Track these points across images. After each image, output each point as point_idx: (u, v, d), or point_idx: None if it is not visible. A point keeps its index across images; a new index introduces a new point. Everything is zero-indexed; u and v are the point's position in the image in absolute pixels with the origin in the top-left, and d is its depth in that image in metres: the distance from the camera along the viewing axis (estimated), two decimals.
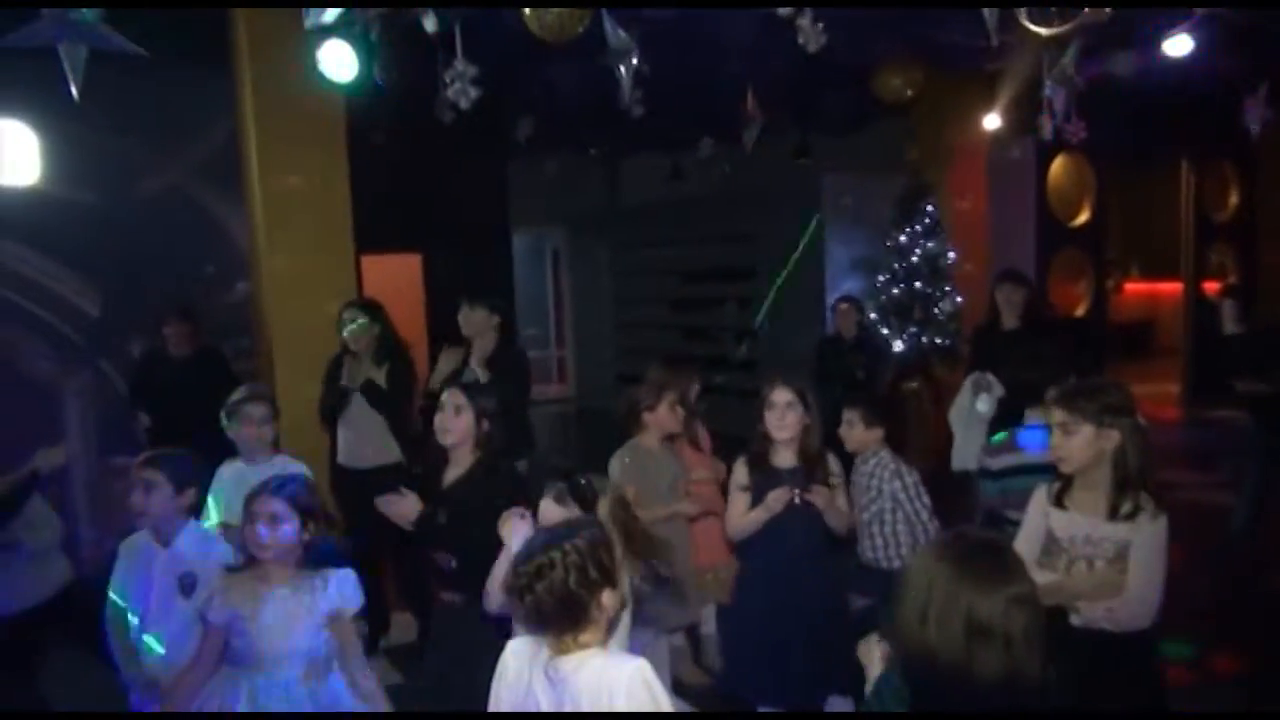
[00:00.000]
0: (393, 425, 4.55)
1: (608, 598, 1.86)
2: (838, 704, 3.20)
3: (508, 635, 2.10)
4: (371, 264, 6.95)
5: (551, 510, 2.43)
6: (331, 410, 4.61)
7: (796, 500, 3.03)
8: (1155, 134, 8.55)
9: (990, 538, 1.71)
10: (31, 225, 5.56)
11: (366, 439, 4.51)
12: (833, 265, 8.64)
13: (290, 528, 2.43)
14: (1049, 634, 1.59)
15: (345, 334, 4.54)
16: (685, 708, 3.77)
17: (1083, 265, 9.30)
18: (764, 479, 3.11)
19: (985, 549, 1.65)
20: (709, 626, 4.24)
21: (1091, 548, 2.45)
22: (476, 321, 4.66)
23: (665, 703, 1.85)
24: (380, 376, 4.52)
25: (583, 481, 2.49)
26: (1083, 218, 9.19)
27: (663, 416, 3.68)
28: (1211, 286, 9.62)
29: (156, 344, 5.44)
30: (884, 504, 3.45)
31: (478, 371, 4.50)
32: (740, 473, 3.20)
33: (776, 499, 3.06)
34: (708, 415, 4.43)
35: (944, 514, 3.78)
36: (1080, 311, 9.34)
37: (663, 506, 3.52)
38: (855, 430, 3.57)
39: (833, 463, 3.20)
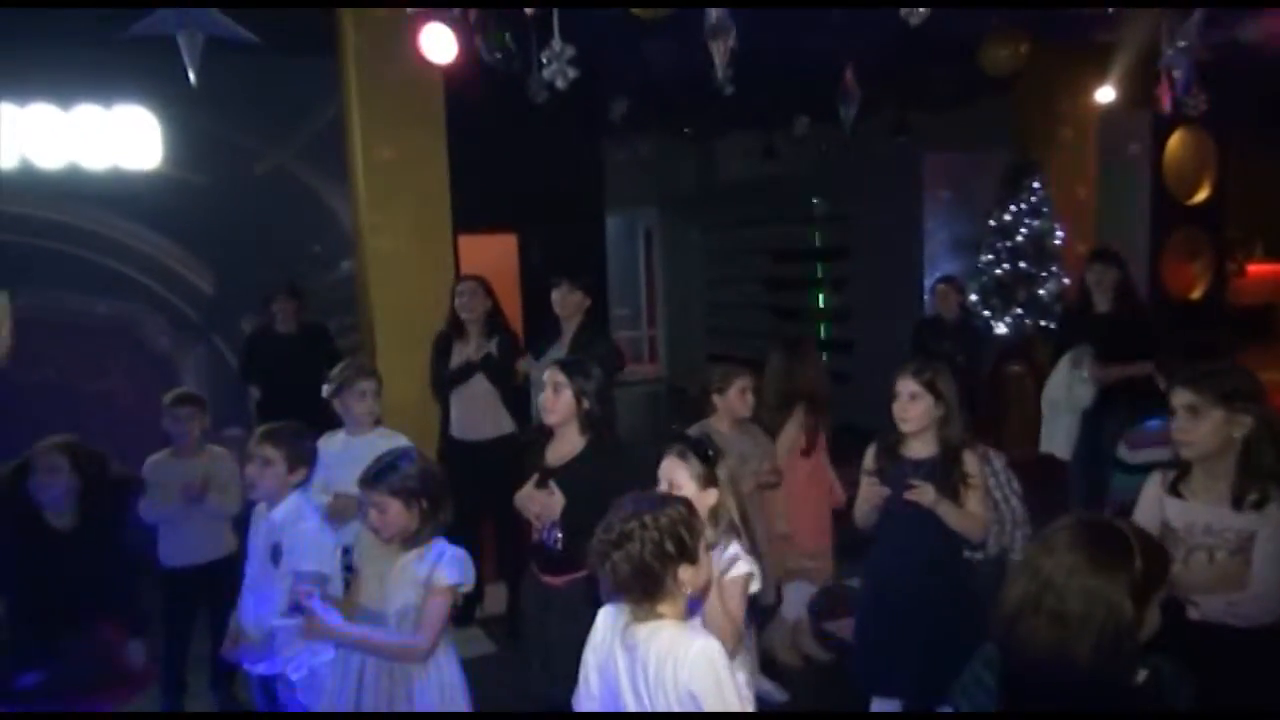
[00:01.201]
0: (505, 397, 4.62)
1: (685, 573, 1.89)
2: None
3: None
4: (469, 244, 7.08)
5: (674, 468, 2.42)
6: (448, 384, 4.68)
7: (905, 494, 2.89)
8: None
9: (1106, 524, 1.68)
10: (153, 207, 5.84)
11: (480, 412, 4.59)
12: (931, 244, 8.42)
13: (395, 512, 2.50)
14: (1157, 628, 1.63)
15: (458, 304, 4.61)
16: (768, 689, 3.76)
17: (1200, 245, 8.83)
18: (891, 468, 2.99)
19: (1089, 532, 1.65)
20: (797, 610, 4.22)
21: (1212, 538, 2.35)
22: (573, 303, 4.67)
23: (727, 683, 1.84)
24: (492, 349, 4.60)
25: (700, 438, 2.50)
26: (1202, 195, 8.71)
27: (731, 401, 3.69)
28: None
29: (265, 320, 5.66)
30: None
31: (561, 354, 4.44)
32: (867, 457, 3.10)
33: (873, 492, 2.99)
34: None
35: (1037, 498, 3.69)
36: (1196, 294, 8.90)
37: None
38: None
39: (971, 462, 2.96)
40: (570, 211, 8.72)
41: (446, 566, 2.50)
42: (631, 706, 1.91)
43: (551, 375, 2.96)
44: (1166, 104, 5.51)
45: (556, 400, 2.92)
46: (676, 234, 12.38)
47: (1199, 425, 2.34)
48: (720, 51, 4.59)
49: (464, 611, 4.78)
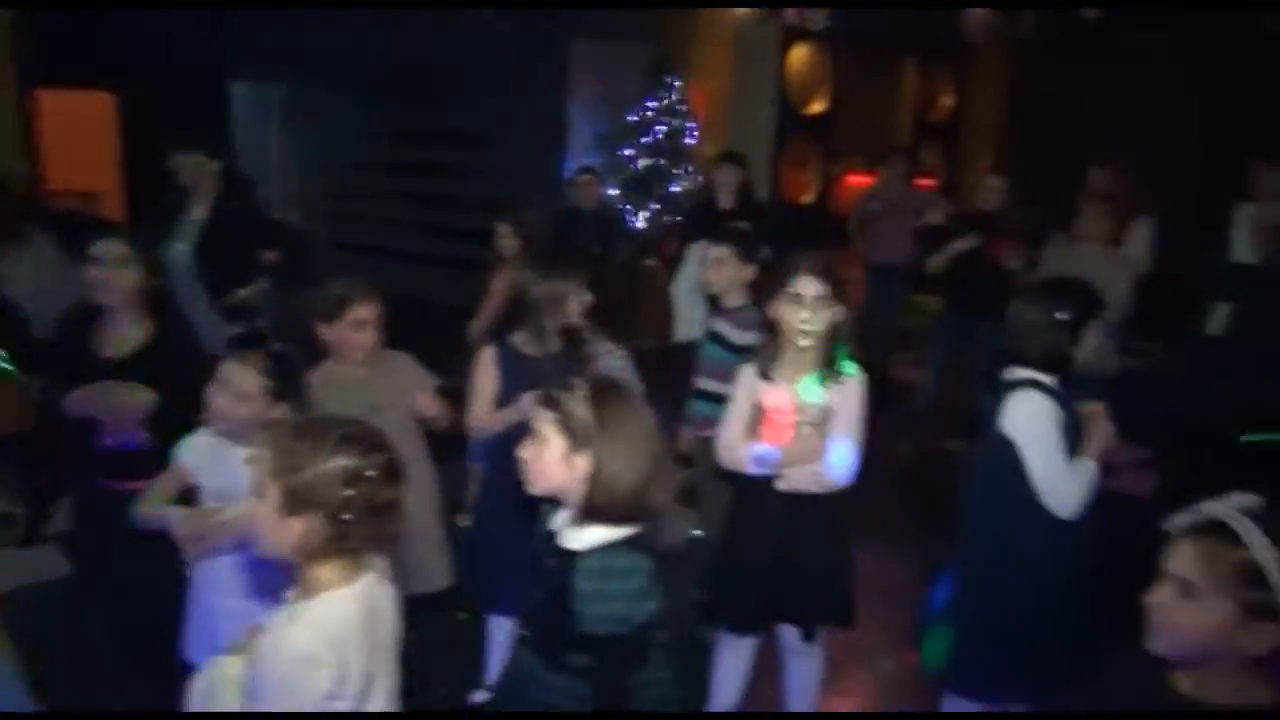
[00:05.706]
0: None
1: None
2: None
3: None
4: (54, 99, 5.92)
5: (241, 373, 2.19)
6: None
7: None
8: (889, 28, 8.81)
9: None
10: None
11: None
12: (575, 138, 8.37)
13: None
14: None
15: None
16: None
17: (811, 154, 9.64)
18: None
19: None
20: None
21: (799, 416, 2.54)
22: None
23: None
24: None
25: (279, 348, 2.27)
26: (817, 106, 9.47)
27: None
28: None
29: None
30: None
31: None
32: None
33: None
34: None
35: (667, 386, 3.85)
36: (808, 198, 9.74)
37: None
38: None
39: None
40: (183, 74, 7.59)
41: None
42: None
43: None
44: (790, 15, 5.82)
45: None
46: (310, 108, 11.17)
47: (824, 315, 2.52)
48: None
49: (29, 529, 4.16)
